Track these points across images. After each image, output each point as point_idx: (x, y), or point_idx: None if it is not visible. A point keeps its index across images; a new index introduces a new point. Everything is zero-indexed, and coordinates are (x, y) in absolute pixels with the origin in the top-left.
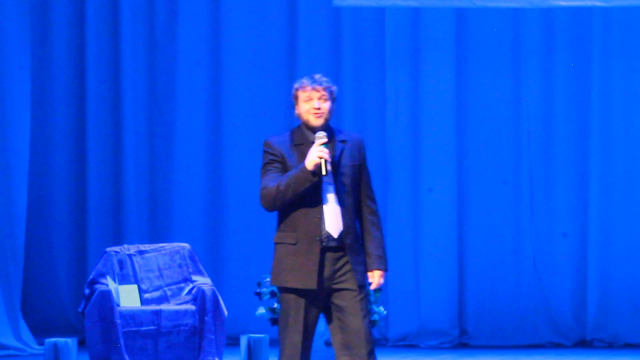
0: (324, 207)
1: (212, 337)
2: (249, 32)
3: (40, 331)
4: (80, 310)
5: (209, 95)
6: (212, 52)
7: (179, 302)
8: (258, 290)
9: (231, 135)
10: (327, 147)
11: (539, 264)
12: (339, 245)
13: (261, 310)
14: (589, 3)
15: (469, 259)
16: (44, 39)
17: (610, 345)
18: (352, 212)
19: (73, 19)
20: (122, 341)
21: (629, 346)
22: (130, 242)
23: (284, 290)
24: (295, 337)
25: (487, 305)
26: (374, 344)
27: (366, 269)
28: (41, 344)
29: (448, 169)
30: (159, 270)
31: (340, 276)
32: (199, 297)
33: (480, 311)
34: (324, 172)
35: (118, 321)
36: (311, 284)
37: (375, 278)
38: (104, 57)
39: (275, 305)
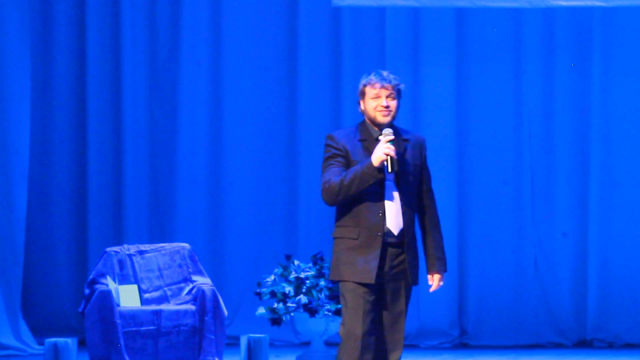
0: (386, 203)
1: (212, 337)
2: (249, 31)
3: (40, 331)
4: (80, 310)
5: (210, 94)
6: (212, 52)
7: (179, 302)
8: (258, 290)
9: (232, 134)
10: (393, 145)
11: (539, 264)
12: (399, 242)
13: (261, 310)
14: (589, 3)
15: (469, 259)
16: (44, 38)
17: (610, 345)
18: (412, 211)
19: (73, 18)
20: (122, 341)
21: (629, 346)
22: (130, 242)
23: (344, 284)
24: (356, 330)
25: (487, 305)
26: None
27: (417, 269)
28: (41, 344)
29: (448, 169)
30: (159, 270)
31: (395, 273)
32: (199, 297)
33: (480, 311)
34: (389, 169)
35: (118, 321)
36: (370, 278)
37: (434, 281)
38: (105, 56)
39: (275, 305)
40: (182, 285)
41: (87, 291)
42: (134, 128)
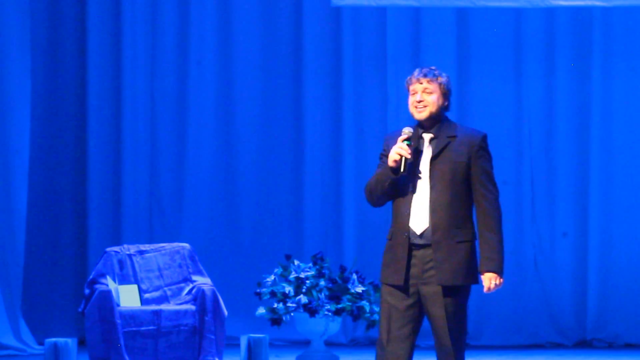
0: (414, 202)
1: (212, 337)
2: (250, 32)
3: (40, 331)
4: (80, 310)
5: (211, 94)
6: (213, 51)
7: (179, 302)
8: (258, 290)
9: (233, 134)
10: (410, 144)
11: (539, 264)
12: (426, 243)
13: (261, 310)
14: (589, 3)
15: None
16: (46, 39)
17: (610, 345)
18: (449, 208)
19: (75, 17)
20: (122, 341)
21: (629, 346)
22: (130, 242)
23: (382, 287)
24: (382, 337)
25: (487, 305)
26: (459, 347)
27: (465, 269)
28: (41, 344)
29: None
30: (159, 270)
31: (427, 276)
32: (199, 297)
33: (480, 311)
34: (402, 170)
35: (118, 321)
36: (398, 280)
37: (484, 281)
38: (106, 56)
39: (275, 305)
40: (182, 285)
41: (87, 291)
42: (134, 128)
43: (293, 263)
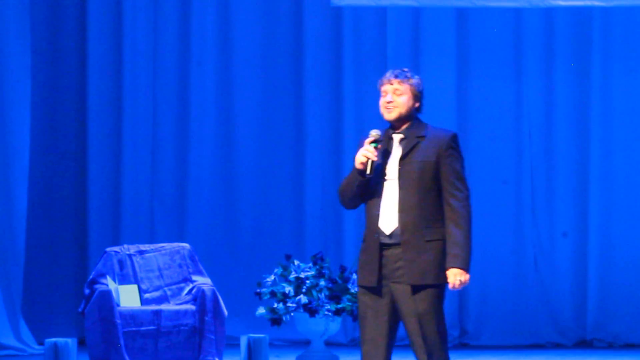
0: (383, 203)
1: (212, 337)
2: (251, 32)
3: (40, 331)
4: (80, 310)
5: (212, 94)
6: (213, 51)
7: (179, 302)
8: (258, 290)
9: (234, 134)
10: (377, 146)
11: (539, 264)
12: (396, 243)
13: (261, 310)
14: (589, 3)
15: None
16: (46, 38)
17: (610, 345)
18: (418, 208)
19: (75, 17)
20: (122, 341)
21: (629, 346)
22: (130, 242)
23: (359, 286)
24: (361, 337)
25: (487, 305)
26: (434, 347)
27: (435, 268)
28: (41, 344)
29: None
30: (159, 270)
31: (397, 275)
32: (199, 297)
33: (480, 311)
34: (368, 172)
35: (118, 321)
36: (371, 281)
37: (449, 277)
38: (106, 56)
39: (275, 305)
40: (182, 285)
41: (87, 291)
42: (135, 128)
43: (293, 263)
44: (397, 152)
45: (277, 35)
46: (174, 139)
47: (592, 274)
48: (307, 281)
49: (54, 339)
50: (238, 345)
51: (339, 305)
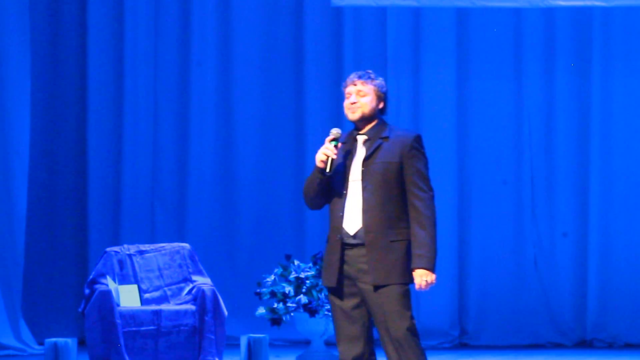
0: (347, 203)
1: (212, 337)
2: (252, 32)
3: (40, 331)
4: (80, 310)
5: (212, 94)
6: (214, 51)
7: (179, 302)
8: (258, 290)
9: (234, 134)
10: (337, 144)
11: (539, 264)
12: (360, 243)
13: (261, 310)
14: (589, 3)
15: (469, 259)
16: (46, 39)
17: (610, 345)
18: (381, 209)
19: (76, 18)
20: (122, 341)
21: (629, 346)
22: (130, 242)
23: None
24: (336, 337)
25: (487, 305)
26: (407, 345)
27: (400, 268)
28: (41, 344)
29: (448, 169)
30: (159, 270)
31: (362, 275)
32: (199, 297)
33: (480, 311)
34: (328, 170)
35: (118, 321)
36: (332, 281)
37: (415, 278)
38: (107, 56)
39: (275, 305)
40: (182, 285)
41: (87, 291)
42: (135, 128)
43: (293, 263)
44: (360, 153)
45: (278, 35)
46: (174, 139)
47: (592, 273)
48: (307, 281)
49: (54, 339)
50: (238, 345)
51: None
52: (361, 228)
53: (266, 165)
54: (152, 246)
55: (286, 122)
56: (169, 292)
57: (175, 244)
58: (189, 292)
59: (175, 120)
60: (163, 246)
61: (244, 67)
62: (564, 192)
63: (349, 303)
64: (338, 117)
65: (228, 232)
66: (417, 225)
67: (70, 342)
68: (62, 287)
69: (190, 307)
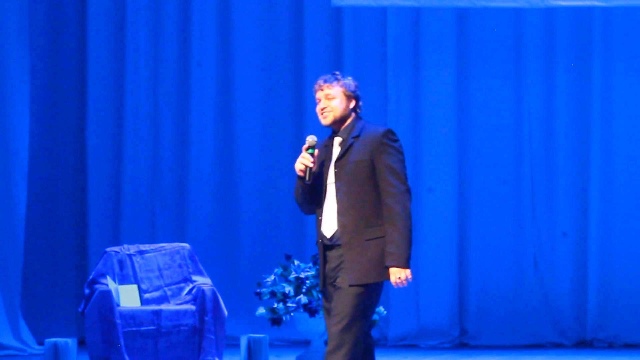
0: (325, 207)
1: (212, 337)
2: (252, 32)
3: (40, 331)
4: (80, 310)
5: (212, 94)
6: (215, 51)
7: (179, 302)
8: (258, 290)
9: (234, 134)
10: (313, 152)
11: (539, 263)
12: (337, 244)
13: (261, 310)
14: (589, 3)
15: (469, 259)
16: (45, 38)
17: (610, 345)
18: (355, 209)
19: (75, 17)
20: (122, 341)
21: (629, 346)
22: (130, 242)
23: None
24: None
25: (487, 305)
26: (346, 347)
27: (378, 267)
28: (41, 344)
29: (448, 169)
30: (159, 270)
31: (336, 275)
32: (199, 297)
33: (480, 311)
34: (306, 178)
35: (118, 321)
36: (321, 284)
37: (390, 276)
38: (107, 55)
39: (275, 305)
40: (182, 285)
41: (87, 291)
42: (135, 128)
43: (293, 263)
44: (335, 155)
45: (278, 35)
46: (174, 139)
47: (592, 274)
48: (307, 281)
49: (54, 339)
50: (238, 345)
51: None
52: (337, 230)
53: (266, 165)
54: (152, 246)
55: (286, 122)
56: (169, 292)
57: (175, 244)
58: (189, 292)
59: (175, 120)
60: (163, 246)
61: (244, 68)
62: (564, 192)
63: (327, 305)
64: None
65: (228, 232)
66: (388, 222)
67: (70, 342)
68: (62, 287)
69: (190, 307)
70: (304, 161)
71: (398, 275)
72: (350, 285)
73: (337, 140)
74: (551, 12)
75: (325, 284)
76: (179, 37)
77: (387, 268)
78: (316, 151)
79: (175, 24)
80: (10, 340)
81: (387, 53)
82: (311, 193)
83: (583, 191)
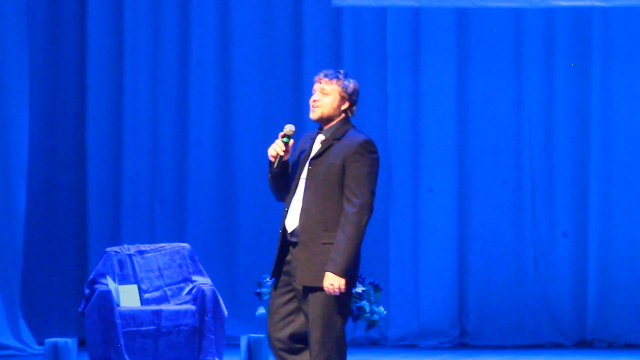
0: (293, 201)
1: (212, 337)
2: (252, 32)
3: (40, 331)
4: (80, 310)
5: (212, 94)
6: (215, 51)
7: (179, 302)
8: (258, 290)
9: (234, 134)
10: (287, 141)
11: (539, 263)
12: (296, 242)
13: (261, 310)
14: (589, 3)
15: (469, 259)
16: (44, 38)
17: (610, 345)
18: (318, 210)
19: (75, 17)
20: (122, 341)
21: (629, 346)
22: (130, 242)
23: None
24: (268, 329)
25: (487, 305)
26: (324, 347)
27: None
28: (41, 344)
29: (448, 169)
30: (159, 270)
31: (294, 274)
32: (199, 297)
33: (480, 311)
34: (274, 166)
35: (118, 321)
36: (273, 274)
37: (324, 281)
38: (106, 55)
39: None
40: (182, 285)
41: (87, 291)
42: (134, 128)
43: None
44: (314, 151)
45: (277, 35)
46: (174, 138)
47: (592, 274)
48: None
49: (54, 339)
50: (238, 345)
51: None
52: (297, 227)
53: (265, 164)
54: (152, 246)
55: (285, 121)
56: (169, 292)
57: (175, 244)
58: (189, 292)
59: (175, 120)
60: (163, 246)
61: (244, 67)
62: (564, 192)
63: (283, 299)
64: None
65: (228, 232)
66: (340, 229)
67: (70, 342)
68: (62, 287)
69: (190, 307)
70: (276, 148)
71: (332, 282)
72: (305, 287)
73: (320, 137)
74: (551, 12)
75: (280, 276)
76: (179, 36)
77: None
78: (291, 141)
79: (175, 23)
80: (10, 340)
81: (387, 53)
82: (279, 180)
83: (583, 191)
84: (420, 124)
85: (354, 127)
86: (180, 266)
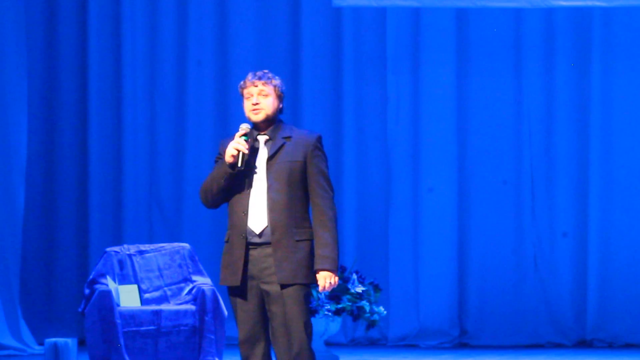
0: (250, 202)
1: (212, 337)
2: (252, 32)
3: (40, 331)
4: (80, 310)
5: (211, 94)
6: (215, 51)
7: (179, 302)
8: None
9: (233, 133)
10: (247, 139)
11: (539, 264)
12: (266, 242)
13: None
14: (589, 3)
15: (469, 259)
16: (43, 38)
17: (610, 345)
18: (287, 208)
19: (74, 16)
20: (122, 341)
21: (629, 346)
22: (131, 242)
23: (228, 287)
24: (239, 336)
25: (487, 305)
26: (303, 347)
27: (305, 268)
28: (41, 344)
29: (448, 169)
30: (159, 270)
31: (266, 275)
32: (199, 297)
33: (480, 311)
34: (239, 164)
35: (118, 321)
36: (235, 281)
37: (319, 280)
38: (105, 55)
39: None
40: (182, 285)
41: (87, 291)
42: (134, 128)
43: None
44: (263, 152)
45: (277, 35)
46: (173, 138)
47: (592, 274)
48: None
49: (54, 339)
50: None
51: (339, 305)
52: (267, 227)
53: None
54: (152, 246)
55: (285, 121)
56: (169, 292)
57: (175, 244)
58: (189, 292)
59: (174, 120)
60: (163, 246)
61: (243, 67)
62: (564, 192)
63: (250, 304)
64: (337, 117)
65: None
66: (320, 225)
67: (70, 342)
68: (62, 287)
69: (190, 307)
70: (238, 147)
71: (329, 279)
72: (282, 285)
73: (263, 138)
74: (551, 12)
75: (245, 281)
76: (177, 36)
77: (313, 271)
78: (249, 139)
79: (173, 23)
80: (10, 340)
81: (387, 53)
82: (230, 184)
83: (583, 191)
84: (420, 124)
85: (286, 122)
86: (180, 266)
